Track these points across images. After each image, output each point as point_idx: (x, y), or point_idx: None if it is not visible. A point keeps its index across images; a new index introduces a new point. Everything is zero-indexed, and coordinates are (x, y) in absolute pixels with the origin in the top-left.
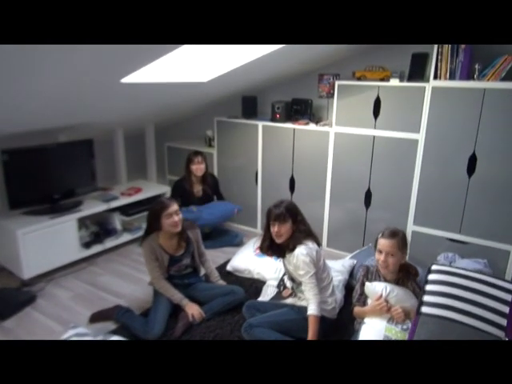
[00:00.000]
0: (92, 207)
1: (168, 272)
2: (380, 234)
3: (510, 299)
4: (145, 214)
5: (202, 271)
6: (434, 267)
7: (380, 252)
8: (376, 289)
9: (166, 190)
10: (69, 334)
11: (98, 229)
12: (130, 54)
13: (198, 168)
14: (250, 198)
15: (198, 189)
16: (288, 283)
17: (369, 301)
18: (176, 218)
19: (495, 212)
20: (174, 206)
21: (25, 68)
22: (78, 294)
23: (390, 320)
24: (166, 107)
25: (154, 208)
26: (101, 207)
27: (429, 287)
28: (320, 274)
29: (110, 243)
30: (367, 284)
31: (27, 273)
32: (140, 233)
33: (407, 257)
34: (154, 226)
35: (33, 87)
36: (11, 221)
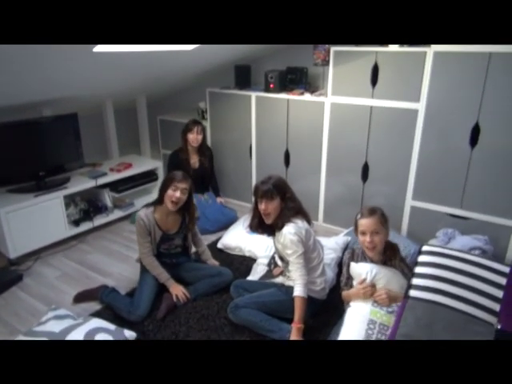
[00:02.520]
0: (79, 184)
1: (158, 249)
2: (358, 215)
3: (504, 283)
4: (136, 189)
5: (193, 249)
6: (424, 248)
7: (363, 233)
8: (359, 270)
9: (158, 165)
10: (48, 316)
11: (87, 206)
12: None
13: (195, 138)
14: (244, 172)
15: (194, 160)
16: (279, 262)
17: (354, 283)
18: (177, 194)
19: (498, 186)
20: (184, 184)
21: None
22: (65, 272)
23: (375, 303)
24: (154, 78)
25: (166, 177)
26: (88, 184)
27: (418, 269)
28: (309, 253)
29: (99, 220)
30: (352, 264)
31: (13, 252)
32: (132, 209)
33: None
34: (159, 195)
35: (11, 64)
36: None
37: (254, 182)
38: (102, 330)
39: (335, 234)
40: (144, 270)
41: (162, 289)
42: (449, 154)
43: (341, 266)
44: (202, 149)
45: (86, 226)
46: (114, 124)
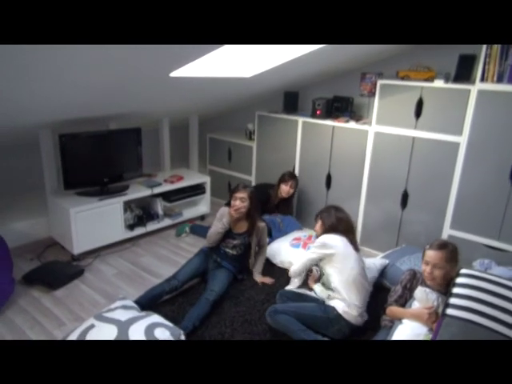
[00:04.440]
0: (137, 192)
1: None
2: (428, 246)
3: None
4: (185, 201)
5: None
6: (462, 271)
7: (426, 263)
8: (429, 296)
9: (206, 179)
10: (116, 305)
11: (141, 212)
12: (180, 50)
13: (287, 191)
14: None
15: (275, 203)
16: (314, 268)
17: (415, 304)
18: (236, 203)
19: None
20: (241, 194)
21: (83, 64)
22: (120, 271)
23: (431, 330)
24: (210, 100)
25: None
26: (145, 192)
27: (456, 290)
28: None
29: (151, 227)
30: (420, 288)
31: (77, 248)
32: (180, 219)
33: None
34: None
35: (89, 80)
36: (65, 200)
37: (295, 198)
38: (161, 325)
39: (372, 256)
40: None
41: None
42: (488, 187)
43: (376, 286)
44: (289, 200)
45: (139, 231)
46: (169, 139)
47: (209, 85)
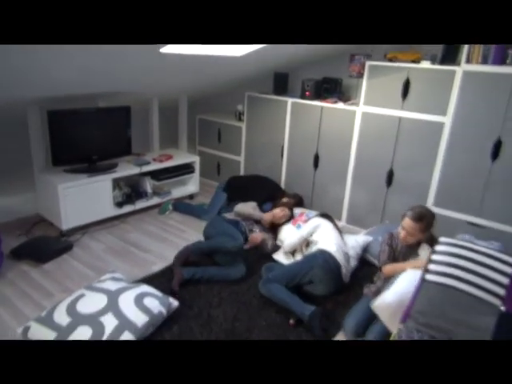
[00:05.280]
0: (126, 170)
1: None
2: (409, 212)
3: (510, 271)
4: (174, 180)
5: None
6: (441, 239)
7: (403, 228)
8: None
9: (195, 159)
10: (106, 277)
11: (130, 190)
12: None
13: (279, 216)
14: (275, 171)
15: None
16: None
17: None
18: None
19: None
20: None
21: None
22: (109, 246)
23: None
24: (200, 80)
25: None
26: (134, 170)
27: (434, 257)
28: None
29: (140, 204)
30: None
31: (65, 224)
32: (169, 197)
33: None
34: None
35: (77, 56)
36: (54, 176)
37: (283, 178)
38: (151, 294)
39: (356, 233)
40: (218, 224)
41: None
42: (471, 166)
43: (361, 261)
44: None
45: (127, 209)
46: (158, 119)
47: (199, 63)
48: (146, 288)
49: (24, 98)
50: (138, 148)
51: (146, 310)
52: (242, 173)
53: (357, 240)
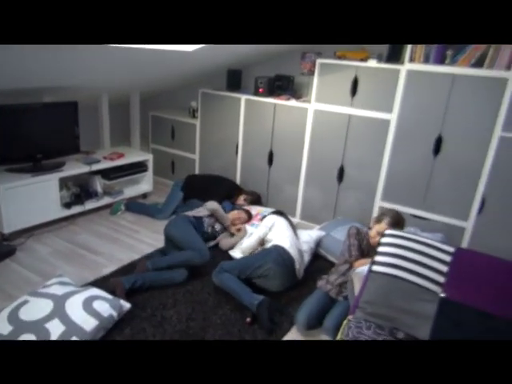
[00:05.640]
0: (74, 168)
1: None
2: (386, 218)
3: (448, 260)
4: (126, 178)
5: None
6: (386, 231)
7: (377, 231)
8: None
9: (148, 157)
10: (53, 281)
11: (79, 190)
12: None
13: (239, 217)
14: (230, 168)
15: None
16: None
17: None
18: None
19: (456, 191)
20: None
21: None
22: (56, 249)
23: None
24: (152, 76)
25: None
26: (83, 169)
27: (380, 248)
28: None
29: (90, 205)
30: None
31: (7, 227)
32: (121, 197)
33: None
34: None
35: (23, 52)
36: None
37: (238, 176)
38: (100, 297)
39: (310, 229)
40: (182, 224)
41: None
42: (415, 161)
43: (314, 255)
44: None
45: (76, 209)
46: (108, 116)
47: (147, 57)
48: (95, 291)
49: None
50: (87, 146)
51: (95, 313)
52: (197, 171)
53: (310, 235)
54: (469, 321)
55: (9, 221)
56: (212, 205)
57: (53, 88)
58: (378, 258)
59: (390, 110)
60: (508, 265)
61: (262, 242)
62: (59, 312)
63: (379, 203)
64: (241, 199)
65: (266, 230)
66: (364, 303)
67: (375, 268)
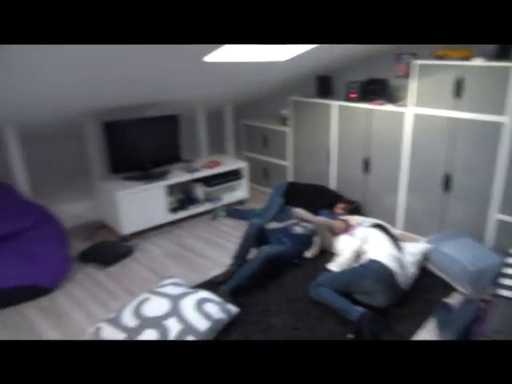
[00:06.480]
0: (178, 177)
1: None
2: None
3: None
4: (224, 186)
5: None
6: None
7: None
8: None
9: (243, 165)
10: (166, 282)
11: (183, 196)
12: None
13: (337, 226)
14: (323, 175)
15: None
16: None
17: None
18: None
19: None
20: None
21: (120, 59)
22: (167, 251)
23: None
24: (244, 86)
25: None
26: (185, 177)
27: (508, 270)
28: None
29: (193, 210)
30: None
31: (125, 229)
32: (220, 203)
33: None
34: None
35: (127, 70)
36: (113, 184)
37: (333, 183)
38: (211, 300)
39: (415, 241)
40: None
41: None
42: None
43: (421, 269)
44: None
45: (181, 214)
46: (205, 126)
47: (243, 69)
48: (205, 294)
49: (80, 111)
50: (186, 154)
51: (207, 315)
52: (290, 178)
53: (416, 246)
54: None
55: (127, 223)
56: (297, 210)
57: (154, 103)
58: (503, 281)
59: (501, 111)
60: None
61: (358, 253)
62: (176, 311)
63: (497, 215)
64: (339, 208)
65: (359, 243)
66: (493, 332)
67: (502, 292)
